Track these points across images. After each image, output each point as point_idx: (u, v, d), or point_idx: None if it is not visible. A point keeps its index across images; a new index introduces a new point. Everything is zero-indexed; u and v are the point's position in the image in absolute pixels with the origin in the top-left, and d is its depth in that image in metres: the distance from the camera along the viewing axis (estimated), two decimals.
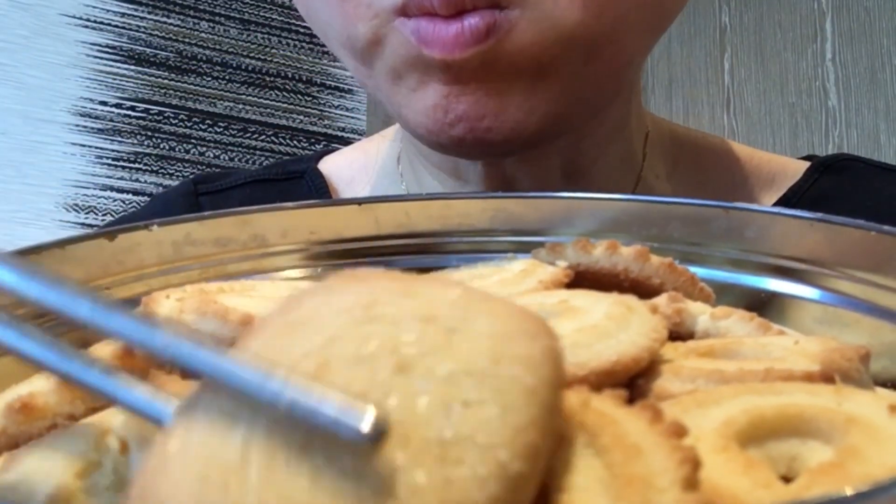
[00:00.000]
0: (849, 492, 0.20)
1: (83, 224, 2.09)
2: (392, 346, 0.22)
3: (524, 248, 0.46)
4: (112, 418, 0.28)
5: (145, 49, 2.27)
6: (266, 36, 2.43)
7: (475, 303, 0.24)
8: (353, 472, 0.20)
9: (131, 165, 2.20)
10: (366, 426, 0.20)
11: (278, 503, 0.19)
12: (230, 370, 0.21)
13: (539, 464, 0.21)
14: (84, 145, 2.14)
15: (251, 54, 2.41)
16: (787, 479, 0.25)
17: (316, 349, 0.22)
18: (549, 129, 0.57)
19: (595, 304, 0.34)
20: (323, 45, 0.61)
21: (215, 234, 0.46)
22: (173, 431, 0.22)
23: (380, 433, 0.20)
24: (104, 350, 0.33)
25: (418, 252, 0.48)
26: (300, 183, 0.77)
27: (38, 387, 0.31)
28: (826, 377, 0.30)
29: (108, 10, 2.24)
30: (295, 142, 2.41)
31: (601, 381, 0.28)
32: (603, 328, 0.31)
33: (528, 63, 0.53)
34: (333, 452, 0.20)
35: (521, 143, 0.56)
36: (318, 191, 0.75)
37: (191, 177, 0.83)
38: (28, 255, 0.40)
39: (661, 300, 0.38)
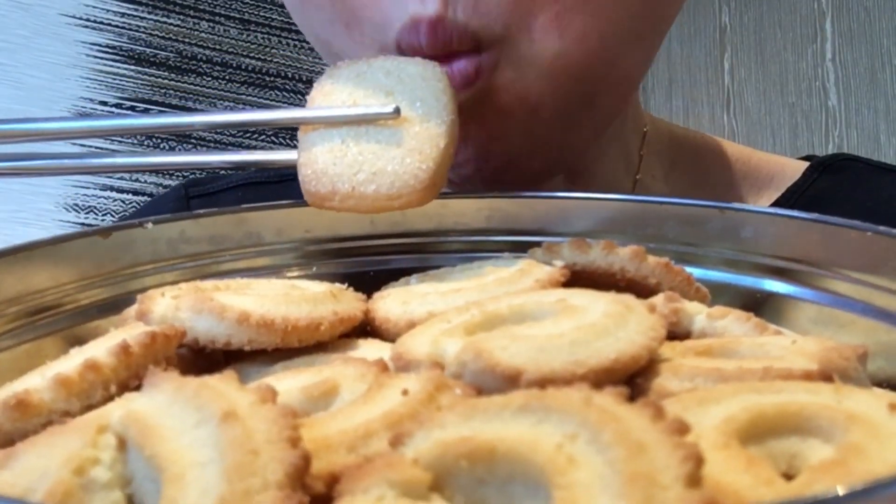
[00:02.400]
0: (851, 489, 0.20)
1: (83, 224, 2.09)
2: None
3: (520, 248, 0.46)
4: (109, 415, 0.28)
5: (145, 49, 2.27)
6: (266, 36, 2.43)
7: None
8: None
9: None
10: None
11: None
12: None
13: None
14: (84, 145, 2.14)
15: (251, 54, 2.40)
16: (787, 477, 0.25)
17: None
18: (556, 162, 0.58)
19: (593, 303, 0.34)
20: None
21: (210, 231, 0.46)
22: None
23: None
24: (102, 346, 0.33)
25: (414, 251, 0.48)
26: (293, 185, 0.77)
27: (34, 384, 0.31)
28: (824, 376, 0.30)
29: (108, 10, 2.24)
30: (295, 141, 2.40)
31: (600, 378, 0.28)
32: (602, 326, 0.31)
33: (517, 103, 0.53)
34: None
35: (528, 178, 0.57)
36: None
37: (182, 181, 0.82)
38: (22, 252, 0.40)
39: (658, 300, 0.38)
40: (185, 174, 2.22)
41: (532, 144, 0.55)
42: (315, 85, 0.50)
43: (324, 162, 0.45)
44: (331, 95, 0.48)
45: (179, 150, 2.26)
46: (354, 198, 0.44)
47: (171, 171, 2.23)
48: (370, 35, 0.53)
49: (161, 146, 2.25)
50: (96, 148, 2.16)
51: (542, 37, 0.51)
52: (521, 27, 0.51)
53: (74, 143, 1.99)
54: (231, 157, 0.50)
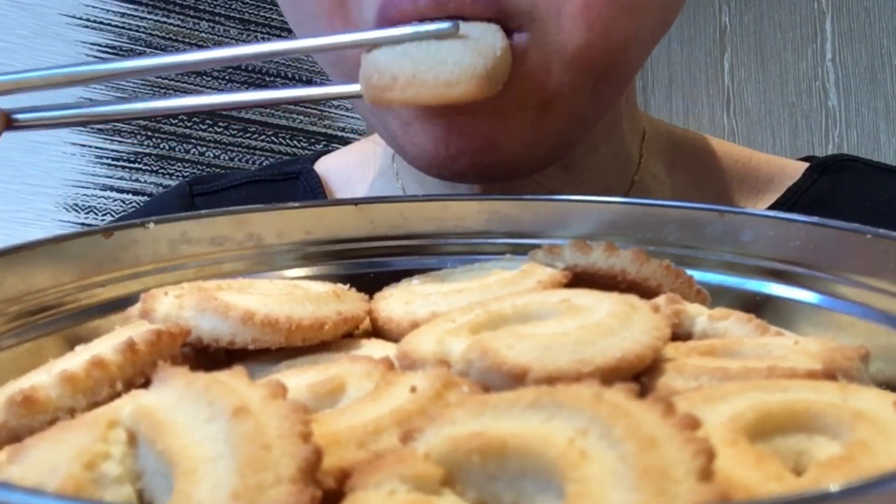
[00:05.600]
0: (860, 483, 0.20)
1: (83, 224, 2.09)
2: None
3: (520, 251, 0.46)
4: (119, 410, 0.28)
5: (145, 49, 2.26)
6: (266, 36, 2.43)
7: None
8: None
9: (131, 165, 2.19)
10: None
11: None
12: None
13: None
14: (84, 145, 2.14)
15: None
16: (794, 474, 0.25)
17: None
18: (551, 157, 0.57)
19: (598, 303, 0.34)
20: None
21: (211, 232, 0.46)
22: None
23: None
24: (107, 343, 0.33)
25: (413, 253, 0.48)
26: (296, 184, 0.77)
27: (40, 380, 0.31)
28: (828, 375, 0.30)
29: (108, 10, 2.23)
30: (295, 142, 2.41)
31: (606, 377, 0.28)
32: (607, 326, 0.31)
33: (533, 94, 0.52)
34: None
35: (522, 172, 0.56)
36: (314, 192, 0.75)
37: (186, 179, 0.82)
38: (23, 251, 0.40)
39: (659, 301, 0.38)
40: (186, 174, 2.22)
41: (536, 140, 0.54)
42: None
43: (386, 62, 0.47)
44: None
45: (179, 150, 2.26)
46: (415, 85, 0.46)
47: (171, 171, 2.23)
48: (348, 14, 0.52)
49: (161, 146, 2.24)
50: (96, 147, 2.16)
51: (570, 25, 0.50)
52: (551, 10, 0.50)
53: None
54: (288, 93, 0.51)
